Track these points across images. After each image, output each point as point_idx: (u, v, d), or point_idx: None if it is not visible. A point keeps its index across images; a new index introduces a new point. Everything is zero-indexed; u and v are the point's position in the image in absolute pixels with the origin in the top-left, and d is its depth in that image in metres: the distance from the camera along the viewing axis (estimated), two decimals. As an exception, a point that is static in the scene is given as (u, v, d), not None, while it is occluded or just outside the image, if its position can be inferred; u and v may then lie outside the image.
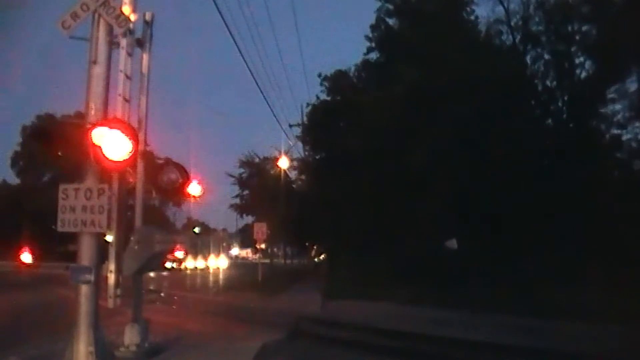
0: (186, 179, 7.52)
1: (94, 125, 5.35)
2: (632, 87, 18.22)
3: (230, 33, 14.38)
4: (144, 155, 7.22)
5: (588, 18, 19.27)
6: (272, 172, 33.89)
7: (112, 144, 5.26)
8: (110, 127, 5.34)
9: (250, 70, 21.72)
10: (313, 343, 10.10)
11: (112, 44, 6.04)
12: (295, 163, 34.64)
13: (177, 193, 7.96)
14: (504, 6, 20.90)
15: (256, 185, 35.39)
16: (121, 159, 5.35)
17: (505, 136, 17.31)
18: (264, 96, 25.43)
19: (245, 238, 62.58)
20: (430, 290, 14.89)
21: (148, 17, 7.24)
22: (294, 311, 13.95)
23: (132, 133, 5.47)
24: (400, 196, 19.07)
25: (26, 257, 39.06)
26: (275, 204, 29.56)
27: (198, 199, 8.87)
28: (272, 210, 30.40)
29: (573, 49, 20.11)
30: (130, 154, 5.37)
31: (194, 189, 8.40)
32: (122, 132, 5.32)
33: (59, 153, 6.16)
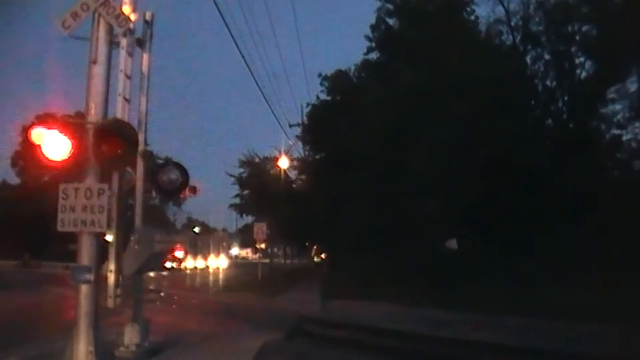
0: (186, 179, 7.52)
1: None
2: (632, 87, 18.27)
3: (230, 33, 14.40)
4: (144, 155, 7.21)
5: (588, 18, 19.28)
6: (272, 172, 33.85)
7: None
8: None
9: (250, 70, 21.73)
10: (313, 343, 10.10)
11: (112, 43, 6.03)
12: (295, 163, 34.62)
13: (177, 193, 7.95)
14: (504, 6, 20.95)
15: (256, 185, 35.34)
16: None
17: (505, 136, 17.31)
18: (263, 96, 25.55)
19: (245, 238, 62.56)
20: (430, 290, 14.89)
21: (148, 16, 7.23)
22: (294, 311, 13.96)
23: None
24: (400, 196, 19.06)
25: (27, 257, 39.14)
26: (275, 204, 29.55)
27: (198, 198, 8.88)
28: (272, 210, 30.39)
29: (573, 49, 20.13)
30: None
31: (194, 189, 8.39)
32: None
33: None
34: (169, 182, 7.36)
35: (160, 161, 7.77)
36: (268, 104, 41.90)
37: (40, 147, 5.28)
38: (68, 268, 5.80)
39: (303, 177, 35.67)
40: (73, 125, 5.61)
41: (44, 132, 5.27)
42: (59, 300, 15.20)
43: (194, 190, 8.19)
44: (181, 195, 8.58)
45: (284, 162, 31.17)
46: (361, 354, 9.13)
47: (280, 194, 29.49)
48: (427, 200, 17.58)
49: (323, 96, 27.97)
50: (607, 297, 11.31)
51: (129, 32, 6.36)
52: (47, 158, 5.31)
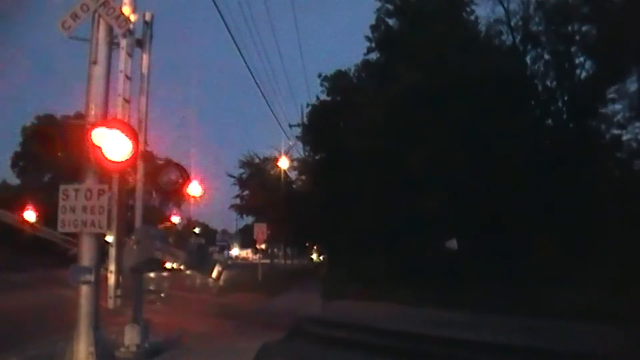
0: (186, 179, 7.52)
1: (94, 126, 5.34)
2: (632, 87, 18.25)
3: (230, 33, 14.40)
4: (144, 156, 7.22)
5: (588, 18, 19.28)
6: (272, 172, 33.91)
7: (113, 145, 5.25)
8: (110, 127, 5.32)
9: (250, 71, 21.75)
10: (313, 343, 10.11)
11: (112, 44, 6.04)
12: (295, 163, 34.68)
13: (177, 193, 7.96)
14: (503, 6, 20.94)
15: (256, 185, 35.40)
16: (122, 160, 5.34)
17: (505, 136, 17.32)
18: (263, 96, 25.69)
19: (246, 238, 62.52)
20: (430, 290, 14.90)
21: (148, 17, 7.23)
22: (294, 311, 13.97)
23: (132, 133, 5.45)
24: (400, 196, 19.08)
25: (30, 215, 38.51)
26: (275, 205, 29.59)
27: (198, 199, 8.89)
28: (272, 210, 30.43)
29: (573, 49, 20.12)
30: (131, 154, 5.36)
31: (194, 189, 8.40)
32: (122, 132, 5.31)
33: (59, 153, 6.17)
34: (169, 183, 7.36)
35: (160, 162, 7.78)
36: (268, 105, 41.94)
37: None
38: (67, 242, 5.79)
39: (303, 177, 35.72)
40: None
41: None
42: (59, 300, 15.20)
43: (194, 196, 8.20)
44: (182, 196, 8.59)
45: (284, 163, 31.23)
46: (361, 354, 9.13)
47: (280, 194, 29.52)
48: (427, 200, 17.60)
49: (323, 96, 28.02)
50: (607, 297, 11.30)
51: (129, 32, 6.36)
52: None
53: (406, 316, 12.69)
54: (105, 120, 5.65)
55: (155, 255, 6.89)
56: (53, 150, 6.14)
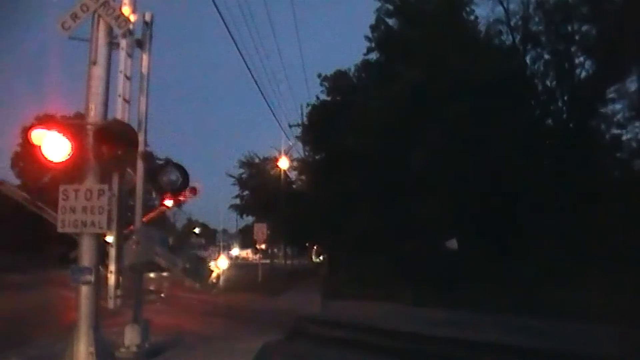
0: (186, 179, 7.53)
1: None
2: (632, 87, 18.24)
3: (230, 33, 14.37)
4: (143, 156, 7.22)
5: (588, 18, 19.27)
6: (272, 172, 33.87)
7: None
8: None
9: (249, 71, 21.73)
10: (313, 343, 10.11)
11: (112, 44, 6.04)
12: (295, 163, 34.65)
13: (177, 193, 7.96)
14: (503, 6, 20.92)
15: (256, 185, 35.39)
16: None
17: (505, 136, 17.31)
18: (263, 96, 25.70)
19: (246, 238, 62.42)
20: (430, 290, 14.91)
21: (148, 17, 7.25)
22: (294, 311, 13.97)
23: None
24: (400, 196, 19.08)
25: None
26: (275, 205, 29.57)
27: (198, 199, 8.89)
28: (272, 210, 30.41)
29: (573, 49, 20.11)
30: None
31: (194, 189, 8.41)
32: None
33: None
34: (169, 183, 7.37)
35: (160, 162, 7.78)
36: (268, 105, 41.86)
37: (40, 148, 5.25)
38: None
39: (303, 177, 35.73)
40: (73, 126, 5.59)
41: (44, 133, 5.26)
42: (59, 300, 15.21)
43: (194, 191, 8.23)
44: (181, 197, 8.58)
45: (283, 163, 31.17)
46: (361, 354, 9.13)
47: (280, 194, 29.50)
48: (427, 200, 17.60)
49: (323, 96, 28.01)
50: (607, 297, 11.31)
51: (129, 33, 6.37)
52: (47, 159, 5.30)
53: (406, 316, 12.69)
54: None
55: (154, 260, 6.91)
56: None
